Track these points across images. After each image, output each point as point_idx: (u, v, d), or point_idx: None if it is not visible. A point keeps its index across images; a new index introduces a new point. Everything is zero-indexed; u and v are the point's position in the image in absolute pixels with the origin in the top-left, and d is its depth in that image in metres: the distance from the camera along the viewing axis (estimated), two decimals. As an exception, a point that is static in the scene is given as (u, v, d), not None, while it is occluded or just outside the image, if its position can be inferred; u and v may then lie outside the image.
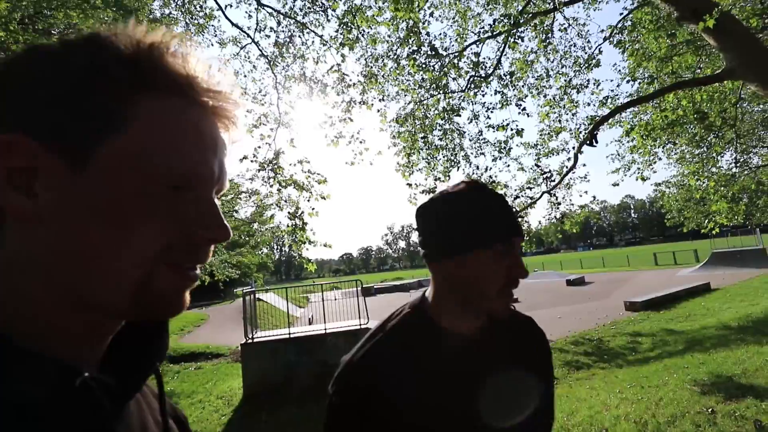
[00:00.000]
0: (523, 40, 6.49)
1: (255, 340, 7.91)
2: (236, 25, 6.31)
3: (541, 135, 8.28)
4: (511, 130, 6.56)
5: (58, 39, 0.38)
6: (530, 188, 8.71)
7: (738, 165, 10.56)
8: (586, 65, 7.30)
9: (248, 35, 6.32)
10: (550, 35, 6.60)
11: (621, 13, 7.29)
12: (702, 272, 19.63)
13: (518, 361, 0.83)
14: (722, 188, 9.51)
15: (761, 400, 3.34)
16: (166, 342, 0.47)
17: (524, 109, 6.83)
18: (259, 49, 6.55)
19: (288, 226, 7.00)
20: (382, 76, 6.72)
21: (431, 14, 6.40)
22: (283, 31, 6.32)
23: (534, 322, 0.96)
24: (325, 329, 8.12)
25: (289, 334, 8.06)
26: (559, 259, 54.17)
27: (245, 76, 7.09)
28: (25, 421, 0.31)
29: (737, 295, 12.60)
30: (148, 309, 0.38)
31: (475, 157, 8.39)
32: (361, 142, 7.24)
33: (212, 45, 7.36)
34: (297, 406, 6.74)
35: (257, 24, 6.48)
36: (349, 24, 5.92)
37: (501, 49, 6.63)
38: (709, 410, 3.33)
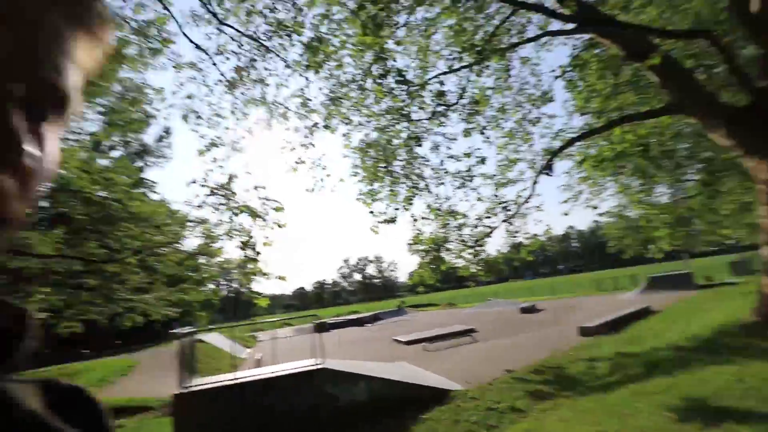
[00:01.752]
0: (488, 68, 6.73)
1: (192, 388, 6.97)
2: (198, 47, 5.92)
3: (499, 166, 8.54)
4: (476, 158, 6.65)
5: None
6: (488, 217, 8.83)
7: (673, 194, 11.61)
8: (540, 101, 7.72)
9: (208, 55, 5.95)
10: (510, 70, 6.93)
11: (570, 55, 7.86)
12: (641, 296, 20.95)
13: None
14: (663, 215, 10.32)
15: (739, 423, 3.32)
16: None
17: (488, 138, 7.00)
18: (219, 70, 6.18)
19: (239, 257, 6.44)
20: (348, 102, 6.60)
21: (397, 43, 6.47)
22: (244, 55, 6.04)
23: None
24: (275, 372, 7.36)
25: (234, 379, 7.22)
26: (509, 288, 55.97)
27: (201, 100, 6.68)
28: None
29: (675, 316, 13.41)
30: None
31: (436, 186, 8.42)
32: (323, 168, 6.97)
33: (167, 69, 6.89)
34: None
35: (218, 47, 6.15)
36: (315, 49, 5.78)
37: (467, 78, 6.83)
38: (694, 439, 3.23)
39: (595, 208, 9.14)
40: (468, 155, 6.54)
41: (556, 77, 7.70)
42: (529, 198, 7.66)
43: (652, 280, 23.04)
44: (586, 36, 6.85)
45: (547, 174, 6.93)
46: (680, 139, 10.91)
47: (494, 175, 8.18)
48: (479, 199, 8.20)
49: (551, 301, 28.97)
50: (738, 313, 7.78)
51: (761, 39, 6.36)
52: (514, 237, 8.89)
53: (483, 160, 6.68)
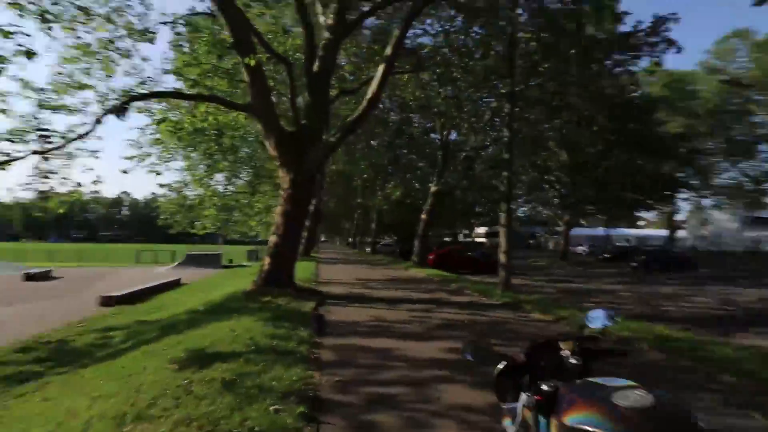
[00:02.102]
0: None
1: None
2: None
3: (55, 81, 6.37)
4: (18, 46, 4.54)
5: None
6: (12, 141, 6.36)
7: (226, 185, 13.48)
8: (139, 35, 6.59)
9: None
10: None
11: (189, 11, 7.36)
12: (176, 270, 22.32)
13: None
14: (214, 199, 11.63)
15: (224, 362, 4.11)
16: None
17: (50, 28, 5.01)
18: None
19: None
20: None
21: None
22: None
23: None
24: None
25: None
26: (18, 249, 42.76)
27: None
28: None
29: (200, 287, 15.29)
30: None
31: None
32: None
33: None
34: None
35: None
36: None
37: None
38: (187, 382, 3.64)
39: (159, 174, 8.86)
40: (6, 33, 4.29)
41: (165, 23, 6.95)
42: (85, 136, 6.17)
43: (188, 256, 25.34)
44: (210, 4, 6.76)
45: (119, 117, 5.92)
46: (245, 142, 12.98)
47: (42, 89, 5.94)
48: (2, 111, 5.63)
49: (77, 269, 24.81)
50: (244, 286, 9.96)
51: (311, 92, 8.93)
52: (46, 179, 6.87)
53: (29, 55, 4.63)
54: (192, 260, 24.92)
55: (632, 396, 1.07)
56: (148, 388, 3.66)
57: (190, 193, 15.57)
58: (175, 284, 16.67)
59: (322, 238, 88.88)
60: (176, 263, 25.36)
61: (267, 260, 8.77)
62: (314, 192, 16.87)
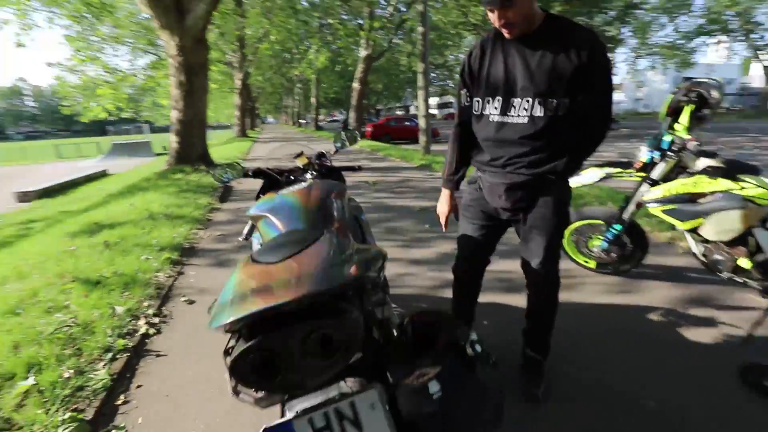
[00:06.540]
0: None
1: None
2: None
3: None
4: None
5: None
6: None
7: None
8: None
9: None
10: None
11: None
12: (103, 162, 20.98)
13: None
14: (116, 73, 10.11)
15: (113, 229, 4.40)
16: None
17: None
18: None
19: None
20: None
21: None
22: None
23: None
24: None
25: None
26: None
27: None
28: None
29: (128, 177, 14.78)
30: None
31: None
32: None
33: None
34: None
35: None
36: None
37: None
38: (74, 248, 3.91)
39: (21, 45, 7.57)
40: None
41: None
42: None
43: (115, 147, 23.62)
44: None
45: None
46: None
47: None
48: None
49: (-14, 169, 22.66)
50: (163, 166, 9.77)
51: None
52: None
53: None
54: (120, 150, 23.33)
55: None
56: (35, 255, 3.93)
57: (91, 72, 13.52)
58: (100, 175, 15.93)
59: (270, 119, 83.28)
60: (102, 155, 23.71)
61: (173, 138, 8.48)
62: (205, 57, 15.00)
